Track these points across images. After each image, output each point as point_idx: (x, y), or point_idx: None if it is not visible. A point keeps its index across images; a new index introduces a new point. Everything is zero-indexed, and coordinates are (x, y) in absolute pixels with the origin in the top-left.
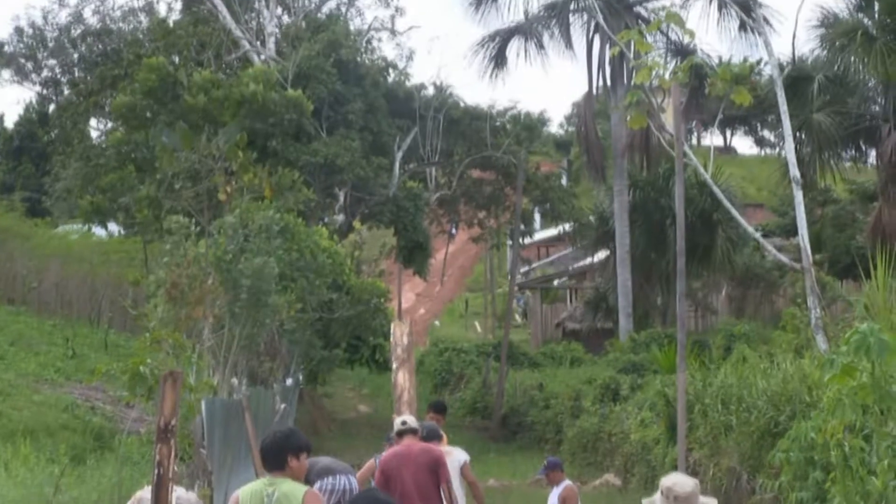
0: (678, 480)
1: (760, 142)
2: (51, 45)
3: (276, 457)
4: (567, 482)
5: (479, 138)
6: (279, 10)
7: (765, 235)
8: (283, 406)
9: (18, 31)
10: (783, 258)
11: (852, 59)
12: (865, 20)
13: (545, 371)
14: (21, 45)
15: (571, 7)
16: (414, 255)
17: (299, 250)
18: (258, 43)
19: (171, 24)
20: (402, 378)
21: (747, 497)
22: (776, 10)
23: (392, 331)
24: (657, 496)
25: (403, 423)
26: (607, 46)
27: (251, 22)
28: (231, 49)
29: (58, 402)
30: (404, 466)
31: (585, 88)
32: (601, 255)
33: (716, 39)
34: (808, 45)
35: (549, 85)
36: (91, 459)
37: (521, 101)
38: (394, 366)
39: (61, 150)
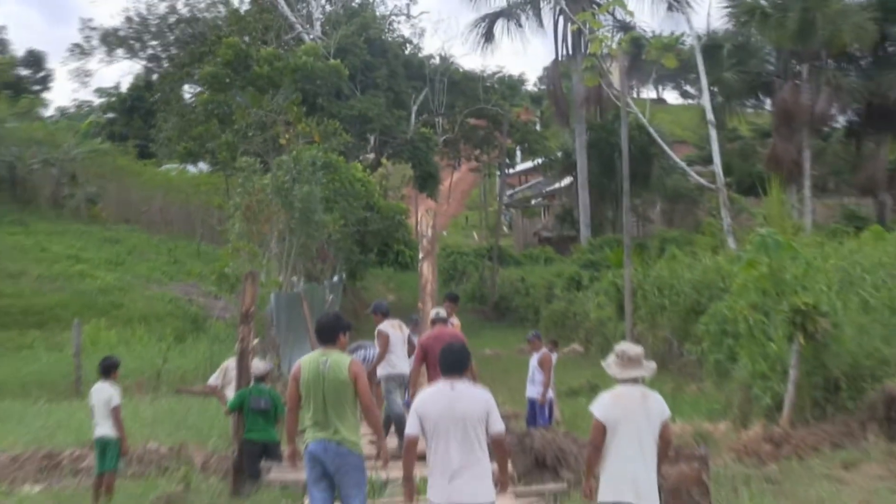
0: (629, 346)
1: (684, 94)
2: (153, 29)
3: (330, 333)
4: (544, 349)
5: (474, 95)
6: (323, 0)
7: (688, 164)
8: (331, 297)
9: (128, 19)
10: (702, 181)
11: (752, 30)
12: (762, 0)
13: (526, 268)
14: (130, 30)
15: None
16: (427, 182)
17: (340, 181)
18: (308, 26)
19: (243, 13)
20: (427, 269)
21: (678, 359)
22: None
23: (419, 220)
24: (612, 358)
25: (437, 314)
26: (569, 24)
27: (303, 10)
28: (287, 31)
29: (163, 296)
30: (438, 345)
31: (553, 56)
32: (566, 181)
33: (649, 17)
34: (719, 20)
35: (526, 54)
36: (189, 339)
37: (505, 66)
38: (420, 255)
39: (162, 109)
